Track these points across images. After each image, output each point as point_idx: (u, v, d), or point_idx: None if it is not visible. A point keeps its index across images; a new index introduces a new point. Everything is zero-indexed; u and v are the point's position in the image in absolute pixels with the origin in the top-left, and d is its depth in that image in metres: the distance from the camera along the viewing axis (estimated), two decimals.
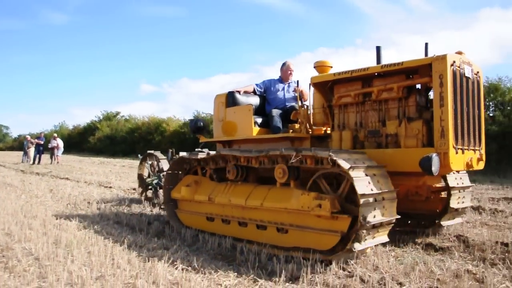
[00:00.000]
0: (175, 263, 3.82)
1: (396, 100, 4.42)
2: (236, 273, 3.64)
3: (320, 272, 3.57)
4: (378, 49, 4.84)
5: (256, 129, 5.64)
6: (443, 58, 3.84)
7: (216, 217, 5.17)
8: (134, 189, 10.29)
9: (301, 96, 6.17)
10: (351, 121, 4.86)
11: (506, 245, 4.47)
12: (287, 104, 6.07)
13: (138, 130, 37.76)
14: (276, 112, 5.76)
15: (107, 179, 13.26)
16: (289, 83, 6.24)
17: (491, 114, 16.22)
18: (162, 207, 7.42)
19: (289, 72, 6.21)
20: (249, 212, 4.71)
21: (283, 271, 3.57)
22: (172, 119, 36.72)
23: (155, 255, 4.11)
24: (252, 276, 3.54)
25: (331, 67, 5.29)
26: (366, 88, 4.63)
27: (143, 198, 7.99)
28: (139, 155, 8.89)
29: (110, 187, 11.06)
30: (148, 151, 7.94)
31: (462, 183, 5.04)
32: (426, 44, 4.49)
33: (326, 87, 5.08)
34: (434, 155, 3.59)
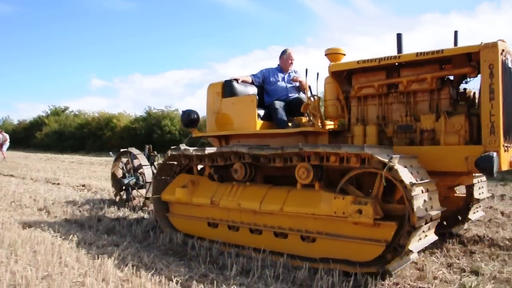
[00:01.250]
0: (125, 259, 3.81)
1: (428, 92, 4.02)
2: (187, 268, 3.65)
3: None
4: (399, 36, 4.41)
5: (259, 123, 5.05)
6: (494, 46, 3.46)
7: (220, 223, 4.53)
8: (84, 185, 9.94)
9: (302, 87, 5.70)
10: (372, 114, 4.40)
11: None
12: (289, 95, 5.53)
13: (87, 126, 36.53)
14: (279, 104, 5.20)
15: (54, 176, 12.52)
16: (289, 73, 5.69)
17: None
18: (143, 208, 6.63)
19: (290, 61, 5.66)
20: (263, 217, 4.13)
21: (234, 264, 3.64)
22: (123, 115, 36.24)
23: (105, 252, 4.06)
24: (204, 271, 3.57)
25: (345, 55, 4.81)
26: (393, 79, 4.19)
27: (117, 199, 7.12)
28: (110, 153, 8.00)
29: (58, 184, 10.49)
30: (122, 149, 7.08)
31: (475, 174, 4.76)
32: (456, 33, 4.14)
33: (342, 76, 4.60)
34: (494, 154, 3.21)
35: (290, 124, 5.02)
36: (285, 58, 5.66)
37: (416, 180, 3.19)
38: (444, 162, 3.66)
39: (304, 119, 5.22)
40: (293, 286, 3.31)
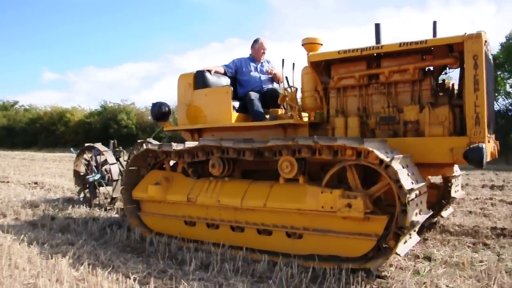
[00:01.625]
0: (81, 258, 3.72)
1: (409, 83, 3.97)
2: (145, 265, 3.60)
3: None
4: (377, 27, 4.32)
5: (234, 115, 4.85)
6: (478, 36, 3.44)
7: (198, 221, 4.30)
8: (36, 183, 9.54)
9: (276, 79, 5.54)
10: (352, 105, 4.31)
11: None
12: (264, 86, 5.35)
13: (40, 121, 35.08)
14: (254, 95, 5.01)
15: (3, 174, 11.91)
16: (261, 62, 5.50)
17: None
18: (109, 208, 6.25)
19: (262, 50, 5.47)
20: (245, 214, 3.95)
21: (193, 259, 3.62)
22: (77, 109, 35.35)
23: (59, 252, 3.93)
24: (162, 267, 3.53)
25: (322, 44, 4.68)
26: (374, 69, 4.11)
27: (81, 198, 6.67)
28: (71, 149, 7.48)
29: (8, 182, 9.96)
30: (87, 144, 6.61)
31: (456, 171, 4.83)
32: (435, 23, 4.09)
33: (321, 67, 4.47)
34: (484, 145, 3.19)
35: (267, 116, 4.85)
36: (257, 48, 5.46)
37: (412, 183, 3.11)
38: (429, 154, 3.62)
39: (280, 111, 5.07)
40: (253, 279, 3.31)
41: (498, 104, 20.18)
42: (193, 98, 5.09)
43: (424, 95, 3.92)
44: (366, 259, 3.28)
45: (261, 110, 4.88)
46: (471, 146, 3.25)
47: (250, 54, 5.52)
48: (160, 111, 5.04)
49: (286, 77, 4.83)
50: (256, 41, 5.49)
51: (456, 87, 4.13)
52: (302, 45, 4.76)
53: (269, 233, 3.85)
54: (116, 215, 5.83)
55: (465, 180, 9.22)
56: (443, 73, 4.06)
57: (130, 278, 3.18)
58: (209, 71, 5.14)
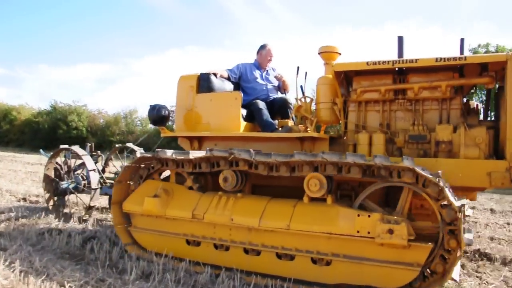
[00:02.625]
0: (13, 265, 3.41)
1: (439, 100, 3.79)
2: (83, 273, 3.46)
3: None
4: (400, 40, 4.14)
5: (242, 124, 4.46)
6: None
7: (204, 241, 3.83)
8: None
9: (283, 87, 5.22)
10: (374, 121, 4.07)
11: None
12: (270, 95, 5.00)
13: None
14: (262, 104, 4.65)
15: None
16: (267, 70, 5.16)
17: None
18: (84, 218, 5.58)
19: (269, 57, 5.13)
20: (262, 235, 3.55)
21: (134, 268, 3.52)
22: (24, 107, 33.56)
23: None
24: (101, 275, 3.41)
25: (340, 54, 4.43)
26: (402, 84, 3.89)
27: (50, 206, 5.93)
28: (42, 151, 6.67)
29: None
30: (62, 146, 5.88)
31: None
32: (462, 40, 3.97)
33: (341, 78, 4.20)
34: None
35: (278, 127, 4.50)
36: (264, 54, 5.11)
37: (459, 202, 2.90)
38: (464, 177, 3.42)
39: (290, 122, 4.74)
40: None
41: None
42: (195, 103, 4.64)
43: (454, 114, 3.75)
44: None
45: (271, 120, 4.53)
46: None
47: (256, 60, 5.16)
48: (159, 115, 4.53)
49: (301, 86, 4.52)
50: (263, 46, 5.14)
51: (480, 108, 3.99)
52: (319, 53, 4.49)
53: (291, 258, 3.47)
54: (93, 228, 5.19)
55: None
56: (470, 92, 3.91)
57: (65, 287, 3.04)
58: (215, 74, 4.72)
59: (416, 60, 3.72)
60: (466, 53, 3.82)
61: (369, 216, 3.11)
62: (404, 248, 3.01)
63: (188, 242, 3.93)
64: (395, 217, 3.06)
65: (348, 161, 3.16)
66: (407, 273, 3.01)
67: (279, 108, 4.83)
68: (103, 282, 3.27)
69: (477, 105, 3.99)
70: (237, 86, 5.05)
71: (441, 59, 3.59)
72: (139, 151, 6.33)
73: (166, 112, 4.56)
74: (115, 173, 6.15)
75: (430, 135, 3.66)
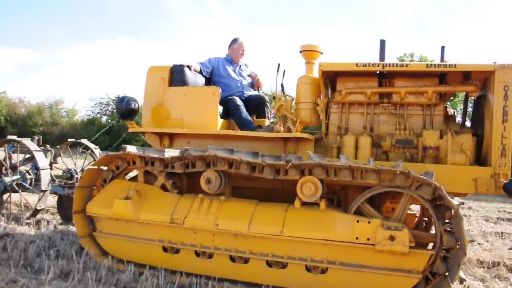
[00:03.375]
0: None
1: (424, 106, 3.82)
2: None
3: None
4: (382, 43, 4.14)
5: (219, 121, 4.18)
6: (509, 67, 3.41)
7: (183, 248, 3.51)
8: None
9: (256, 84, 5.02)
10: (357, 123, 4.01)
11: None
12: (244, 91, 4.76)
13: None
14: (239, 101, 4.41)
15: None
16: (239, 65, 4.92)
17: None
18: (28, 221, 4.91)
19: (241, 51, 4.88)
20: (250, 242, 3.32)
21: (52, 267, 3.37)
22: None
23: None
24: (13, 276, 3.18)
25: (322, 53, 4.32)
26: (388, 87, 3.87)
27: None
28: None
29: None
30: (9, 137, 5.12)
31: None
32: (443, 48, 4.05)
33: (325, 78, 4.09)
34: None
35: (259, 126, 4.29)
36: (236, 48, 4.85)
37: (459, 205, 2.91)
38: (451, 183, 3.46)
39: (266, 121, 4.55)
40: None
41: None
42: (166, 96, 4.27)
43: (437, 120, 3.81)
44: None
45: (250, 118, 4.30)
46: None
47: (227, 55, 4.89)
48: (128, 108, 4.08)
49: (282, 85, 4.36)
50: (235, 40, 4.88)
51: (456, 115, 4.10)
52: (300, 52, 4.34)
53: (283, 266, 3.28)
54: (39, 230, 4.60)
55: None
56: (450, 99, 4.00)
57: None
58: (189, 67, 4.38)
59: (407, 65, 3.72)
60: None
61: (369, 222, 3.03)
62: (403, 254, 2.96)
63: (164, 249, 3.58)
64: (395, 224, 3.00)
65: (367, 167, 3.04)
66: (407, 280, 2.98)
67: (256, 106, 4.62)
68: (15, 283, 3.05)
69: (454, 112, 4.10)
70: (208, 81, 4.75)
71: (431, 65, 3.61)
72: (96, 149, 5.79)
73: (136, 105, 4.14)
74: (65, 171, 5.53)
75: (418, 140, 3.68)
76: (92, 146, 5.75)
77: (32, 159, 5.20)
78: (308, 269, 3.22)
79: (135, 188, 3.73)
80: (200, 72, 4.60)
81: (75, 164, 5.95)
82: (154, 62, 4.10)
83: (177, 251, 3.55)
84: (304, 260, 3.20)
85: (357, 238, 3.03)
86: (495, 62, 3.48)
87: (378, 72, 3.88)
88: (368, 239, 3.00)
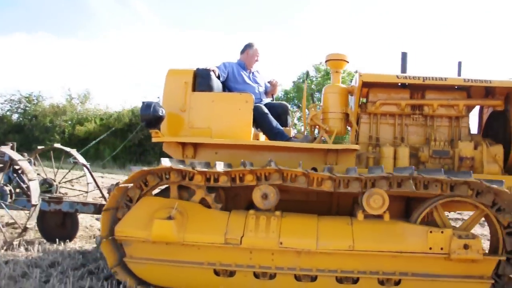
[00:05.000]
0: None
1: (452, 118, 4.02)
2: None
3: None
4: (404, 55, 4.30)
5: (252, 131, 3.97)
6: None
7: (240, 270, 3.23)
8: None
9: (271, 91, 4.87)
10: (387, 134, 4.09)
11: None
12: (262, 99, 4.58)
13: None
14: (266, 109, 4.22)
15: None
16: (252, 71, 4.73)
17: None
18: (16, 242, 4.14)
19: (256, 58, 4.70)
20: (315, 259, 3.18)
21: None
22: None
23: None
24: None
25: (348, 62, 4.32)
26: (421, 100, 4.00)
27: None
28: None
29: None
30: None
31: None
32: (460, 64, 4.29)
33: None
34: None
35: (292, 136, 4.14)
36: (251, 54, 4.66)
37: None
38: None
39: (291, 131, 4.43)
40: None
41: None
42: (190, 103, 3.94)
43: (463, 132, 4.02)
44: None
45: (281, 127, 4.14)
46: None
47: (240, 60, 4.67)
48: (155, 115, 3.65)
49: (312, 94, 4.29)
50: (250, 45, 4.68)
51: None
52: (326, 61, 4.31)
53: (355, 282, 3.19)
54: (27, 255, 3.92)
55: None
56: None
57: None
58: (214, 71, 4.10)
59: (446, 79, 3.87)
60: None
61: (442, 232, 3.08)
62: (474, 261, 3.06)
63: (216, 272, 3.27)
64: (467, 232, 3.10)
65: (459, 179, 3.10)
66: (479, 285, 3.08)
67: (279, 114, 4.46)
68: None
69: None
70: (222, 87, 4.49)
71: (468, 80, 3.81)
72: (81, 159, 5.12)
73: (164, 111, 3.73)
74: (41, 182, 4.81)
75: (453, 151, 3.84)
76: (74, 152, 5.09)
77: (3, 169, 4.44)
78: (380, 282, 3.17)
79: (171, 206, 3.35)
80: (218, 77, 4.33)
81: (55, 174, 5.20)
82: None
83: (231, 273, 3.26)
84: (375, 273, 3.14)
85: (430, 248, 3.07)
86: None
87: (413, 84, 3.97)
88: (441, 248, 3.05)
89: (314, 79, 22.74)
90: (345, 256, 3.14)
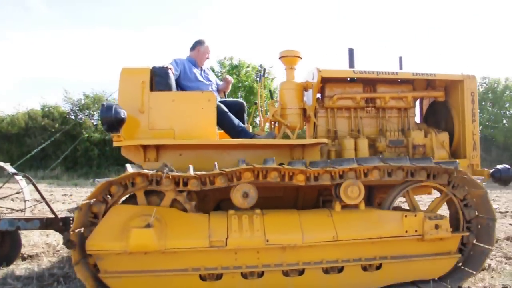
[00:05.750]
0: None
1: (401, 110, 4.31)
2: None
3: None
4: (351, 52, 4.52)
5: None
6: (473, 77, 4.15)
7: (226, 272, 3.10)
8: None
9: (224, 89, 4.77)
10: (343, 127, 4.25)
11: None
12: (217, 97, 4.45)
13: None
14: (225, 107, 4.12)
15: None
16: (203, 69, 4.59)
17: None
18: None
19: (207, 55, 4.58)
20: (300, 252, 3.18)
21: None
22: None
23: None
24: None
25: (301, 58, 4.39)
26: (372, 93, 4.23)
27: None
28: None
29: None
30: None
31: None
32: (401, 58, 4.61)
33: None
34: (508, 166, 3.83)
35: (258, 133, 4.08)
36: (202, 51, 4.53)
37: None
38: None
39: (249, 128, 4.37)
40: None
41: None
42: (149, 103, 3.69)
43: (411, 121, 4.33)
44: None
45: (243, 125, 4.07)
46: (499, 166, 3.86)
47: (190, 57, 4.50)
48: (118, 117, 3.32)
49: (270, 91, 4.28)
50: (201, 42, 4.53)
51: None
52: (280, 58, 4.35)
53: (340, 271, 3.25)
54: None
55: None
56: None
57: None
58: (171, 69, 3.88)
59: (397, 73, 4.12)
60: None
61: (415, 215, 3.28)
62: (441, 240, 3.32)
63: (202, 277, 3.10)
64: (435, 214, 3.34)
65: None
66: (449, 261, 3.34)
67: (236, 112, 4.36)
68: None
69: None
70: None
71: (416, 74, 4.11)
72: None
73: (125, 113, 3.42)
74: None
75: (407, 140, 4.12)
76: (8, 168, 4.44)
77: None
78: (363, 268, 3.28)
79: (146, 213, 3.10)
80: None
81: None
82: None
83: (218, 277, 3.12)
84: (358, 260, 3.25)
85: (406, 232, 3.25)
86: (462, 73, 4.21)
87: (365, 78, 4.18)
88: (416, 230, 3.26)
89: (218, 74, 23.00)
90: (329, 247, 3.19)
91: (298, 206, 3.96)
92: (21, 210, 4.68)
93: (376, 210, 3.37)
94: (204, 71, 4.56)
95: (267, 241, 3.09)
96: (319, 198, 4.01)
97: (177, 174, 3.11)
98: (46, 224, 4.10)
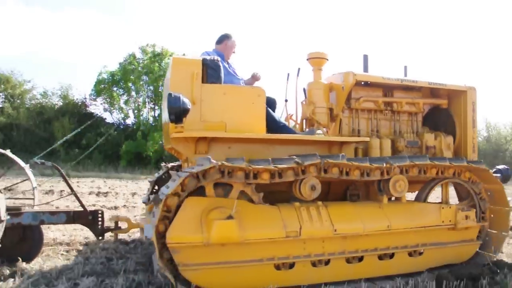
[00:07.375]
0: None
1: (411, 114, 4.79)
2: None
3: None
4: (365, 58, 4.91)
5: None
6: (473, 88, 4.75)
7: (299, 261, 3.25)
8: None
9: (251, 84, 4.84)
10: (364, 127, 4.63)
11: None
12: None
13: None
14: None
15: None
16: (230, 64, 4.63)
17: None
18: None
19: (234, 50, 4.63)
20: (358, 241, 3.45)
21: None
22: None
23: None
24: None
25: (328, 60, 4.66)
26: (389, 98, 4.65)
27: None
28: None
29: None
30: None
31: None
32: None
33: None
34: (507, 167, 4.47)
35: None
36: (229, 45, 4.57)
37: None
38: None
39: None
40: None
41: (112, 117, 23.62)
42: (201, 95, 3.69)
43: (419, 125, 4.85)
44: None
45: (283, 121, 4.21)
46: (499, 166, 4.48)
47: (217, 50, 4.51)
48: (185, 107, 3.27)
49: (304, 89, 4.51)
50: (228, 36, 4.57)
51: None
52: (308, 59, 4.58)
53: (391, 257, 3.58)
54: None
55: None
56: None
57: None
58: (219, 61, 3.89)
59: (417, 81, 4.57)
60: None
61: (450, 207, 3.74)
62: (466, 228, 3.83)
63: (276, 266, 3.21)
64: (465, 206, 3.84)
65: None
66: (473, 247, 3.87)
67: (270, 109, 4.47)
68: None
69: None
70: None
71: (432, 83, 4.60)
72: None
73: (190, 104, 3.37)
74: None
75: (421, 141, 4.61)
76: (15, 158, 4.00)
77: None
78: (409, 254, 3.65)
79: (219, 204, 3.14)
80: None
81: None
82: None
83: (289, 266, 3.26)
84: (405, 247, 3.61)
85: (443, 221, 3.70)
86: (465, 84, 4.80)
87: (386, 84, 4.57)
88: (450, 220, 3.72)
89: (140, 61, 22.64)
90: (383, 235, 3.51)
91: (328, 199, 4.21)
92: (31, 199, 4.29)
93: (417, 203, 3.78)
94: (230, 65, 4.59)
95: (335, 230, 3.30)
96: (346, 192, 4.30)
97: (258, 167, 3.16)
98: (73, 218, 3.85)
